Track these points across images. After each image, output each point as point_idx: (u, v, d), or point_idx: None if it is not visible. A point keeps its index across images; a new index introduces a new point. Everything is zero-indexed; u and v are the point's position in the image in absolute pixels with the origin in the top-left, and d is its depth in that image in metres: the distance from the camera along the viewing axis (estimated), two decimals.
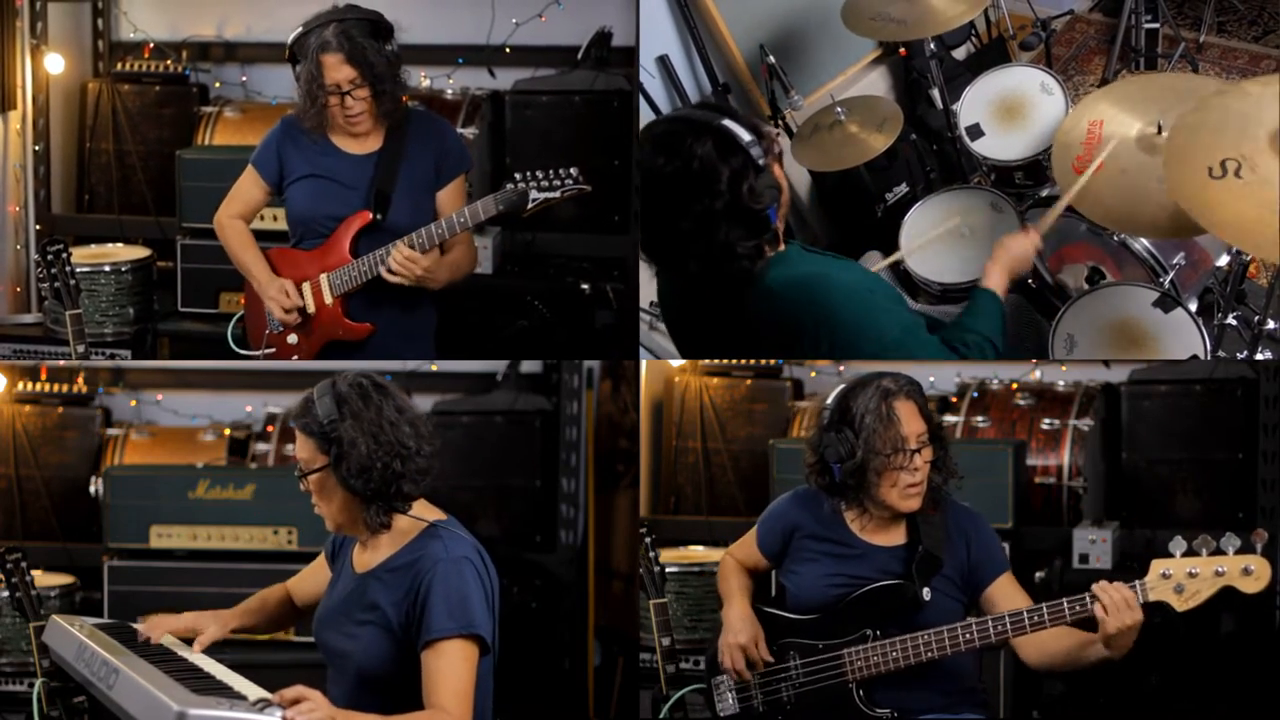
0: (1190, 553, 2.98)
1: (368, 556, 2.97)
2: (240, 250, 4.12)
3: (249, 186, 4.13)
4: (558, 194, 3.76)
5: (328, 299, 3.98)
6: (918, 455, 3.24)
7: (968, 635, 3.18)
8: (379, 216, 3.93)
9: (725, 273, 3.11)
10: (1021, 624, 3.14)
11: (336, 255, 3.96)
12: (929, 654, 3.20)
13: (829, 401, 3.32)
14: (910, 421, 3.23)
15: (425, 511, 2.97)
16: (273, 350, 4.10)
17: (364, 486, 2.86)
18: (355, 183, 3.97)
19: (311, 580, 3.26)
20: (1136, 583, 3.02)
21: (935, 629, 3.21)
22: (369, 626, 2.89)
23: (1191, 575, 2.97)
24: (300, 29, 3.90)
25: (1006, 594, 3.30)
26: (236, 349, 4.28)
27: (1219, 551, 2.97)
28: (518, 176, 3.76)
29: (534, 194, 3.76)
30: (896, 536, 3.33)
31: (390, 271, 3.85)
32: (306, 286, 4.00)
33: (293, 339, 4.05)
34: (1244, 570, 2.95)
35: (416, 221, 3.90)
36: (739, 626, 3.39)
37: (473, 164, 4.19)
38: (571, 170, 3.76)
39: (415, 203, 3.97)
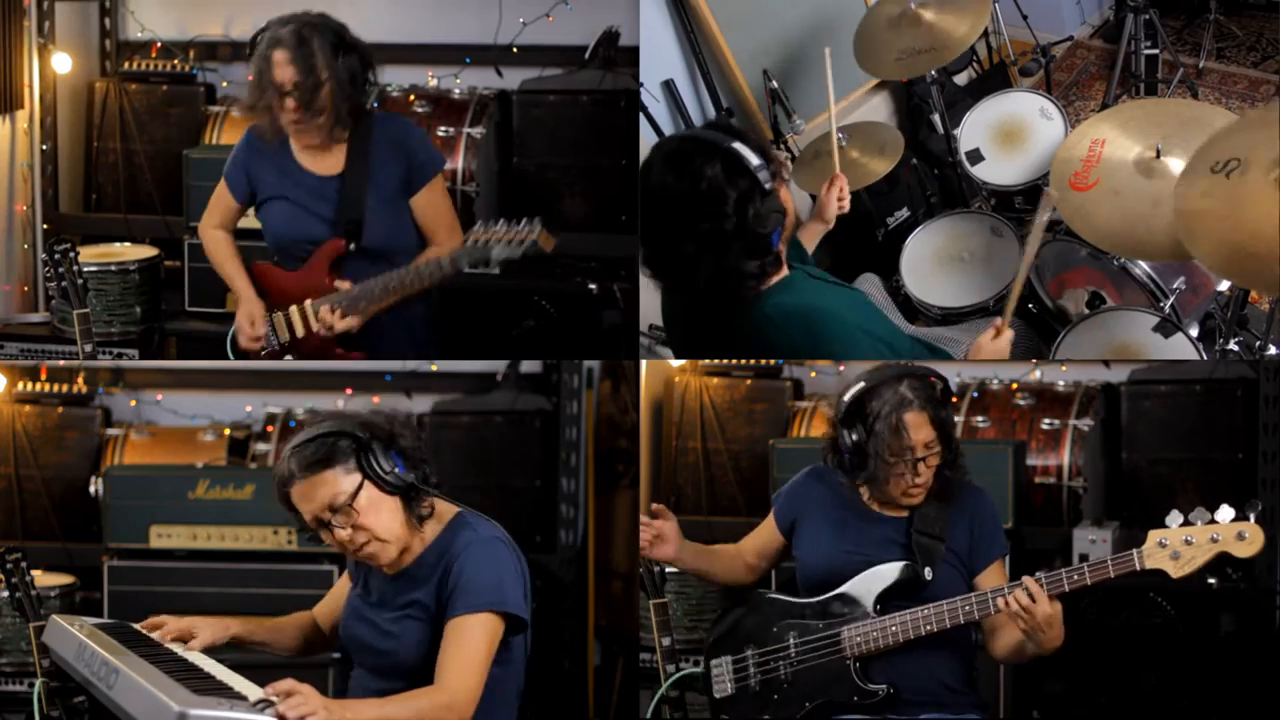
0: (1186, 523, 3.06)
1: (399, 559, 3.00)
2: (222, 262, 4.09)
3: (224, 200, 4.06)
4: (518, 255, 3.63)
5: (315, 326, 3.92)
6: (921, 464, 3.28)
7: (967, 608, 3.23)
8: (351, 246, 3.85)
9: (729, 294, 3.14)
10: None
11: (316, 283, 3.89)
12: (927, 628, 3.25)
13: (849, 394, 3.35)
14: (918, 432, 3.26)
15: (446, 506, 3.04)
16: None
17: (401, 478, 2.92)
18: (323, 207, 3.88)
19: (333, 601, 3.27)
20: (1134, 551, 3.09)
21: (934, 603, 3.25)
22: (408, 621, 2.94)
23: (1187, 543, 3.05)
24: (264, 24, 3.80)
25: (994, 581, 3.34)
26: (234, 359, 4.25)
27: (1214, 521, 3.04)
28: (477, 228, 3.67)
29: (495, 251, 3.63)
30: (901, 509, 3.39)
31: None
32: (294, 311, 3.94)
33: (288, 359, 4.02)
34: (1238, 536, 3.02)
35: (394, 236, 3.88)
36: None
37: (444, 161, 4.11)
38: (531, 226, 3.64)
39: (389, 219, 3.89)
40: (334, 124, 3.81)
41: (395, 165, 3.89)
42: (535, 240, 3.62)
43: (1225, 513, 3.03)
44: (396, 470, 2.92)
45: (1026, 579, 3.12)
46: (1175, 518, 3.06)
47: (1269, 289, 3.19)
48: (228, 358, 4.23)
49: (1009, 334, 3.63)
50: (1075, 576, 3.12)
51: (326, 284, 3.87)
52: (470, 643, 2.85)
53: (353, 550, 2.94)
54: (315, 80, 3.73)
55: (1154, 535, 3.08)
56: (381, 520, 2.92)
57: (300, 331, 3.94)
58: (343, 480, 2.89)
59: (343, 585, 3.23)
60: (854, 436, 3.30)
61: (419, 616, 2.93)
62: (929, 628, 3.25)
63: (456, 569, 2.89)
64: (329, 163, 3.89)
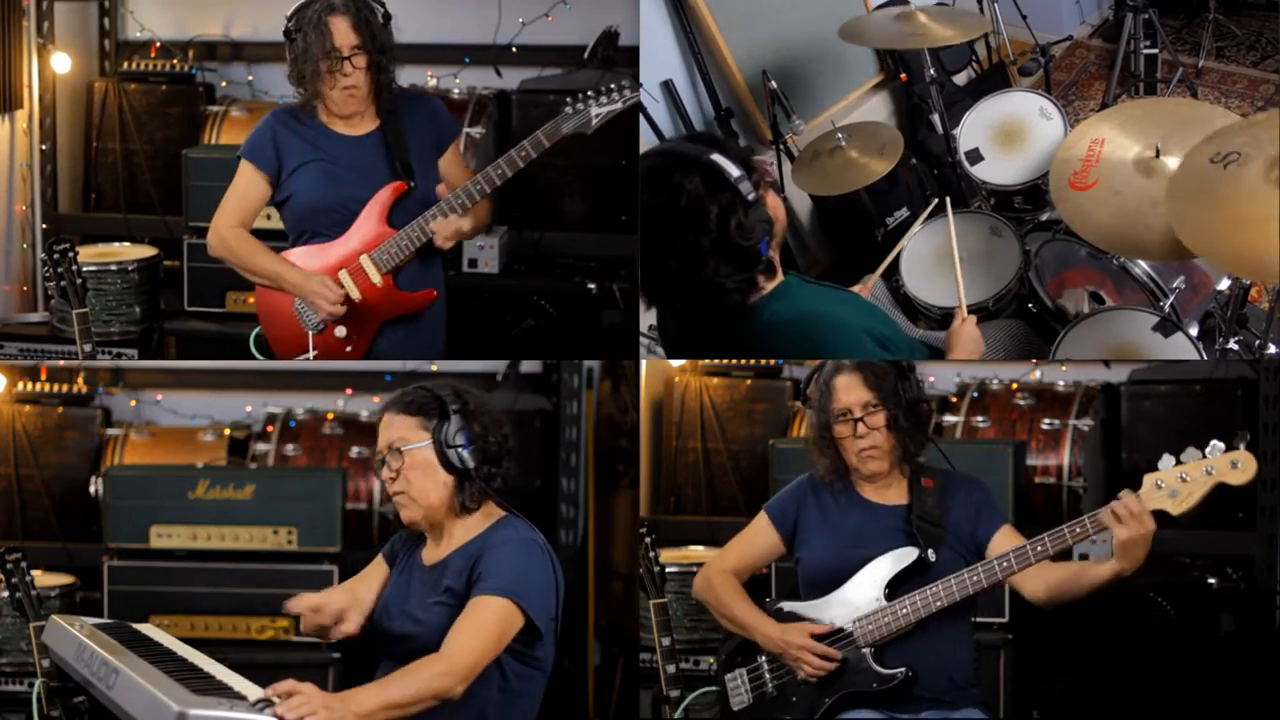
0: (1179, 463, 3.08)
1: (439, 550, 3.06)
2: (255, 256, 3.87)
3: (246, 185, 3.90)
4: (620, 105, 3.76)
5: (376, 278, 3.83)
6: (860, 424, 3.32)
7: (975, 578, 3.23)
8: (412, 184, 3.83)
9: (715, 309, 3.12)
10: (1025, 557, 3.19)
11: (375, 232, 3.81)
12: (938, 603, 3.26)
13: (805, 379, 3.50)
14: (849, 393, 3.33)
15: (498, 511, 3.09)
16: (317, 352, 3.92)
17: (462, 458, 2.99)
18: (366, 162, 3.84)
19: (361, 585, 3.22)
20: (1131, 494, 3.08)
21: (943, 580, 3.26)
22: (438, 607, 2.96)
23: (1183, 480, 3.07)
24: (300, 1, 3.77)
25: (1008, 543, 3.32)
26: (263, 359, 4.18)
27: (1205, 456, 3.06)
28: (568, 100, 3.77)
29: (595, 110, 3.76)
30: (898, 497, 3.40)
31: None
32: (344, 275, 3.84)
33: (341, 332, 3.88)
34: (1231, 464, 3.05)
35: (433, 190, 3.86)
36: (782, 629, 3.40)
37: (462, 130, 4.18)
38: (624, 82, 3.77)
39: (427, 173, 3.89)
40: (384, 86, 3.84)
41: (426, 126, 3.93)
42: (628, 92, 3.77)
43: (1216, 446, 3.05)
44: (460, 449, 2.99)
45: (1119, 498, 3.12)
46: (1167, 460, 3.08)
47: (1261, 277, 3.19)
48: (231, 355, 4.21)
49: (971, 319, 3.71)
50: (1078, 530, 3.13)
51: (389, 230, 3.82)
52: (482, 621, 2.87)
53: (390, 492, 3.04)
54: (379, 42, 3.78)
55: (1149, 478, 3.08)
56: (425, 486, 3.00)
57: (357, 294, 3.85)
58: (412, 430, 3.01)
59: (373, 574, 3.21)
60: (812, 417, 3.40)
61: (449, 603, 2.95)
62: (939, 603, 3.25)
63: (487, 557, 2.95)
64: (362, 126, 3.88)
